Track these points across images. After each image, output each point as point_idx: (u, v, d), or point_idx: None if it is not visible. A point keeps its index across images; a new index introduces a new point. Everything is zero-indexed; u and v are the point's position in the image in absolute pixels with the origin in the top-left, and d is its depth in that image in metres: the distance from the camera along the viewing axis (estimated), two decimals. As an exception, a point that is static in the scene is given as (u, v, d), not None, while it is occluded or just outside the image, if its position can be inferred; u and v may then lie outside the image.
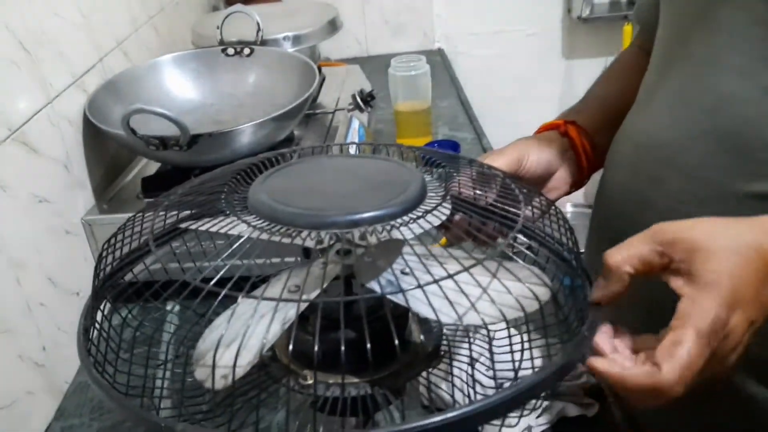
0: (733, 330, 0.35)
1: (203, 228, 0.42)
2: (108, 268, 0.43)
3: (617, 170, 0.62)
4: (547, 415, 0.62)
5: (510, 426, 0.36)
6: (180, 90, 0.96)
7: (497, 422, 0.34)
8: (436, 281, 0.36)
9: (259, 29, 0.97)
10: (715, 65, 0.51)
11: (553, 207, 0.45)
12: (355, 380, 0.42)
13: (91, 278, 0.42)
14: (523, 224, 0.41)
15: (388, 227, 0.38)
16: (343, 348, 0.36)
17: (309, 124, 1.01)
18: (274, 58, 0.96)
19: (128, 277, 0.44)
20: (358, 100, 1.09)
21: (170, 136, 0.74)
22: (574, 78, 1.82)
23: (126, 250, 0.45)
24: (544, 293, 0.38)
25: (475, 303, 0.36)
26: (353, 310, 0.41)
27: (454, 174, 0.47)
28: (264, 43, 1.00)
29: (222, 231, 0.40)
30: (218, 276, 0.36)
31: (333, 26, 1.10)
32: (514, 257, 0.40)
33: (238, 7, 0.98)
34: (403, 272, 0.40)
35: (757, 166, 0.49)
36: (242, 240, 0.38)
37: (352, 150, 0.81)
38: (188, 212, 0.44)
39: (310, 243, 0.39)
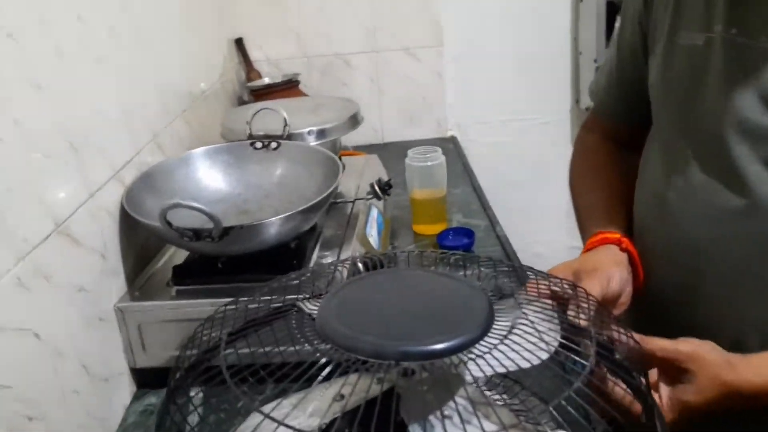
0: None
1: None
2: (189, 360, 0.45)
3: (653, 263, 0.68)
4: None
5: None
6: (210, 181, 1.01)
7: None
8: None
9: (285, 124, 1.03)
10: (737, 173, 0.58)
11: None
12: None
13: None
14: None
15: (457, 362, 0.40)
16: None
17: (330, 213, 1.06)
18: (299, 151, 1.02)
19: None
20: (377, 188, 1.14)
21: (203, 228, 0.78)
22: (583, 165, 1.87)
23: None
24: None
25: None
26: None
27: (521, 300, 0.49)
28: (290, 136, 1.05)
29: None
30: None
31: (354, 121, 1.16)
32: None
33: (266, 104, 1.05)
34: (445, 415, 0.41)
35: None
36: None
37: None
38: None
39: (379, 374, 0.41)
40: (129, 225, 0.88)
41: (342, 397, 0.43)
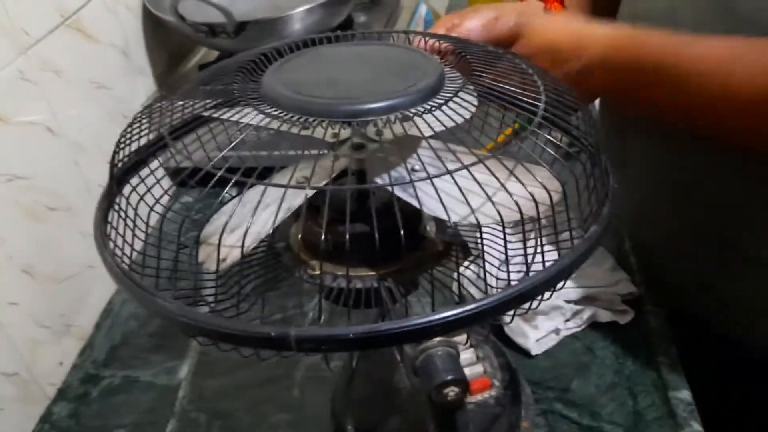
0: None
1: (218, 116, 0.42)
2: (123, 161, 0.44)
3: None
4: (577, 319, 0.61)
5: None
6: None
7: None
8: (449, 172, 0.34)
9: None
10: None
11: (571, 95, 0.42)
12: (362, 273, 0.42)
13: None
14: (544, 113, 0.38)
15: (402, 116, 0.36)
16: (348, 239, 0.36)
17: (372, 9, 0.98)
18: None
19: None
20: (427, -19, 1.03)
21: (218, 23, 0.73)
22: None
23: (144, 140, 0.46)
24: (555, 191, 0.37)
25: (484, 202, 0.35)
26: (364, 204, 0.41)
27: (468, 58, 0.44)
28: None
29: (236, 119, 0.40)
30: (227, 165, 0.36)
31: None
32: (532, 154, 0.38)
33: None
34: (413, 169, 0.39)
35: None
36: (257, 126, 0.38)
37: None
38: (203, 102, 0.44)
39: (322, 133, 0.38)
40: (154, 22, 0.85)
41: (306, 179, 0.41)
